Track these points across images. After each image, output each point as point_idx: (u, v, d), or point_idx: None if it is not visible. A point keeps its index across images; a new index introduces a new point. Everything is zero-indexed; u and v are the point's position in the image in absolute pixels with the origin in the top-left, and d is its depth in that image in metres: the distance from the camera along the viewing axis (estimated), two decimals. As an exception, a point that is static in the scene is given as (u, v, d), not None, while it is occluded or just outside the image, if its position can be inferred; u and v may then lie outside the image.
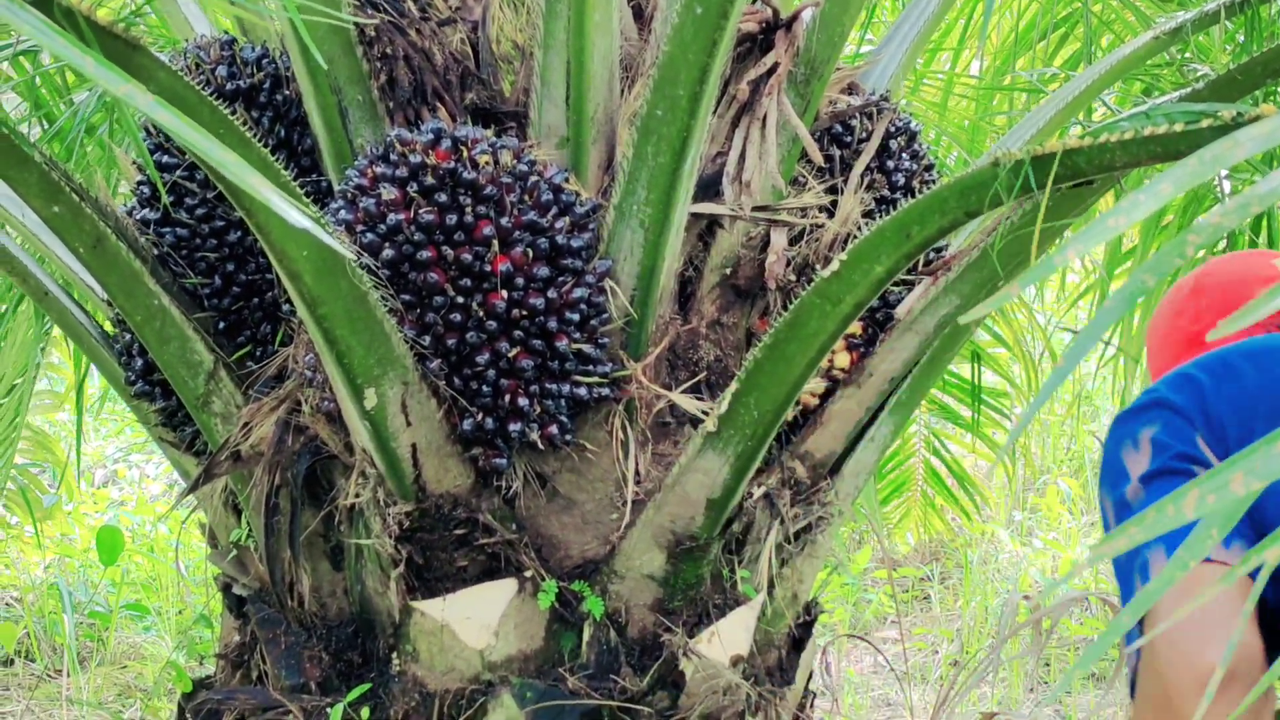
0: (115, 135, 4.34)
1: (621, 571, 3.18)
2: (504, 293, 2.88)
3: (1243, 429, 1.98)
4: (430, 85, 3.21)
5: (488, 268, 2.86)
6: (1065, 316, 7.98)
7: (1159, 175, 1.10)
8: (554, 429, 3.04)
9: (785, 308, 2.97)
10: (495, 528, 3.11)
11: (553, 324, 2.92)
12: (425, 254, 2.85)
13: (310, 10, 2.45)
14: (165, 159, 3.29)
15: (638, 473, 3.18)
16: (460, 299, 2.88)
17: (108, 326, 3.75)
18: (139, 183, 3.43)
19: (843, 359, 3.35)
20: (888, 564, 7.92)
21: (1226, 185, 5.10)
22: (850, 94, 3.54)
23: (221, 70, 3.29)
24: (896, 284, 3.28)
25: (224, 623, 3.68)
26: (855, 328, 3.32)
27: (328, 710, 3.18)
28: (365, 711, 3.18)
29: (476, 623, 3.14)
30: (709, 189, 3.29)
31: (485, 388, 2.95)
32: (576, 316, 2.96)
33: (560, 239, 2.93)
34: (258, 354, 3.39)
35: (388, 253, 2.86)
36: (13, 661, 6.69)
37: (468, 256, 2.85)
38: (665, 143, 2.89)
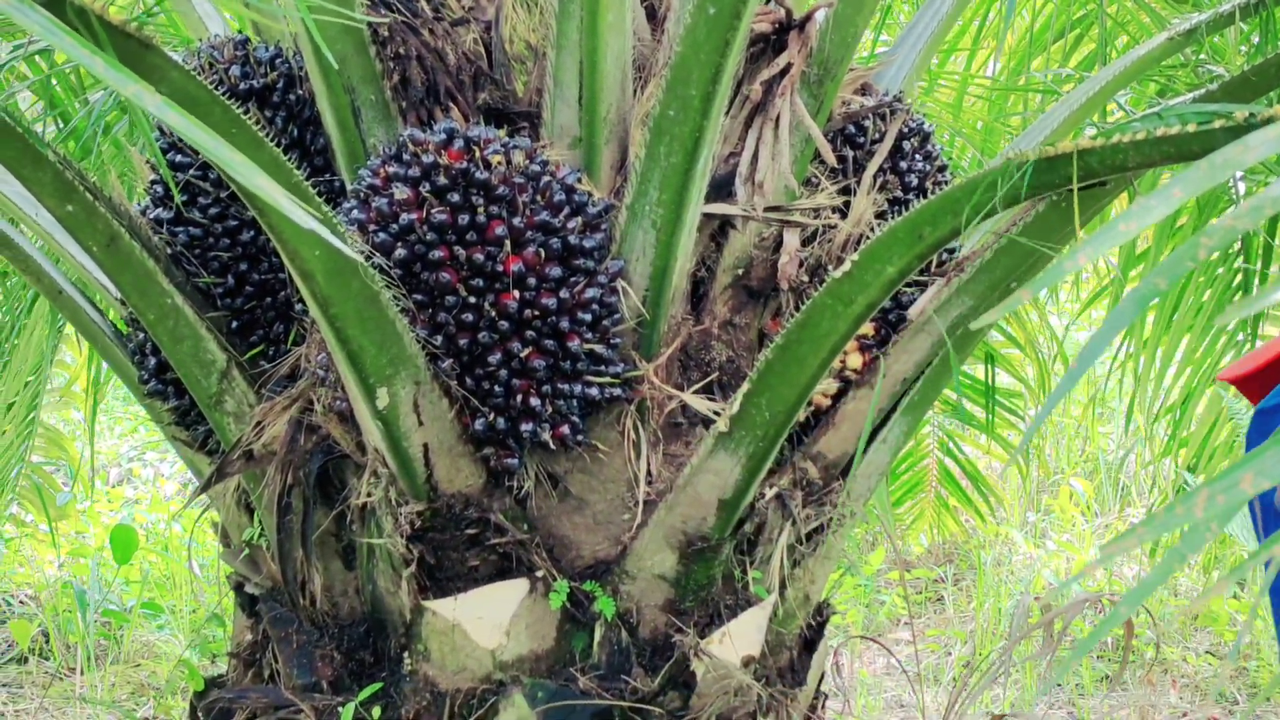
0: (130, 134, 4.36)
1: (633, 572, 3.18)
2: (516, 293, 2.88)
3: None
4: (443, 85, 3.21)
5: (500, 268, 2.86)
6: (1080, 318, 7.97)
7: (1170, 180, 1.10)
8: (566, 429, 3.04)
9: (798, 308, 2.97)
10: (507, 528, 3.11)
11: (565, 324, 2.92)
12: (438, 254, 2.85)
13: (323, 10, 2.45)
14: (179, 158, 3.30)
15: (649, 473, 3.18)
16: (472, 299, 2.88)
17: (121, 325, 3.75)
18: (152, 182, 3.44)
19: (855, 360, 3.35)
20: (900, 565, 7.91)
21: (1241, 187, 5.08)
22: (864, 94, 3.53)
23: (235, 70, 3.29)
24: (909, 285, 3.28)
25: (236, 621, 3.68)
26: (868, 329, 3.32)
27: (339, 709, 3.19)
28: (377, 711, 3.19)
29: (488, 622, 3.15)
30: (722, 189, 3.29)
31: (497, 388, 2.95)
32: (589, 317, 2.95)
33: (573, 239, 2.93)
34: (270, 353, 3.39)
35: (400, 252, 2.86)
36: (27, 659, 6.71)
37: (480, 256, 2.85)
38: (678, 143, 2.89)
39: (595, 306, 2.96)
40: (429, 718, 3.17)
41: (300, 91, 3.32)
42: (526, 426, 2.99)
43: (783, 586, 3.37)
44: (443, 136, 2.91)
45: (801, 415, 3.21)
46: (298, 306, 3.30)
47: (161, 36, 4.85)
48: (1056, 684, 7.09)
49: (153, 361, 3.47)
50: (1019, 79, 5.80)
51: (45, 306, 5.04)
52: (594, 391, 3.03)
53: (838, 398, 3.38)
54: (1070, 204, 2.83)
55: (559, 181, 2.96)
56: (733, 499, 3.13)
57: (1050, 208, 2.89)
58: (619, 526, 3.19)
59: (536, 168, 2.94)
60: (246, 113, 2.77)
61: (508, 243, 2.86)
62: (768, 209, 3.28)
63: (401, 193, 2.86)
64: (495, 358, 2.92)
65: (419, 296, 2.90)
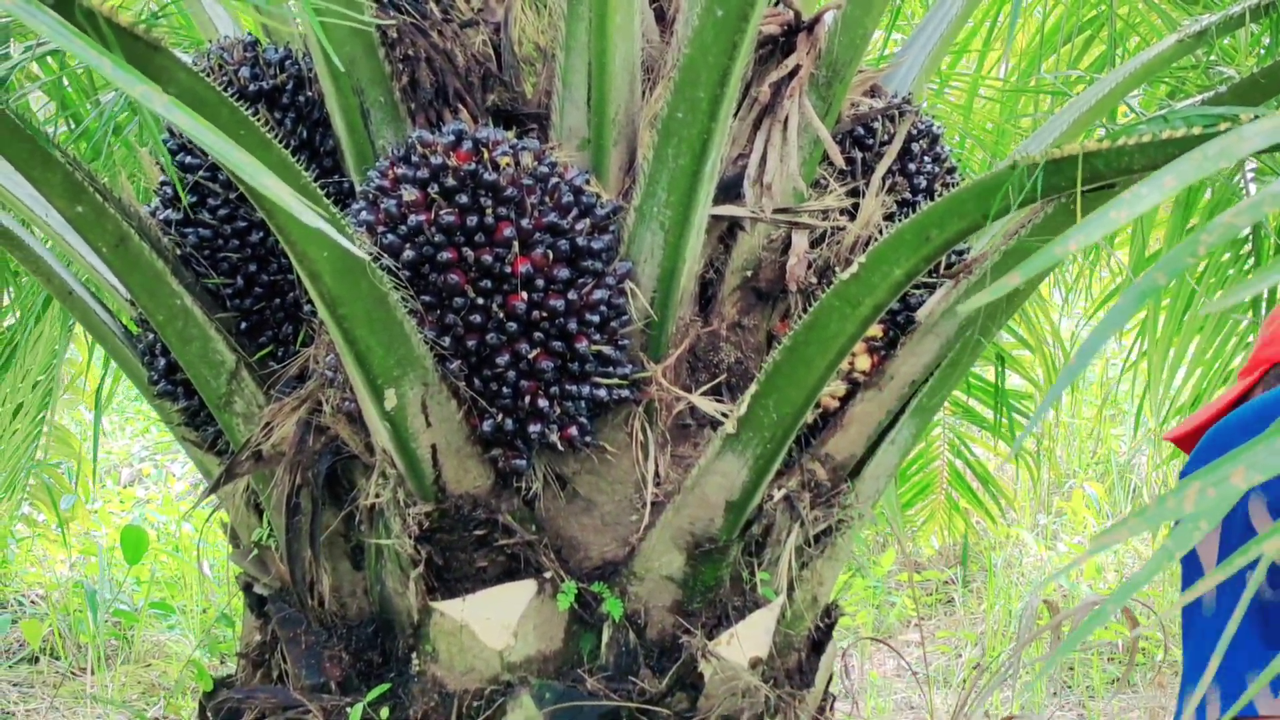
0: (140, 136, 4.37)
1: (641, 573, 3.18)
2: (524, 294, 2.88)
3: None
4: (452, 87, 3.21)
5: (508, 269, 2.87)
6: (1091, 320, 7.95)
7: (1162, 169, 1.10)
8: (574, 430, 3.04)
9: (806, 310, 2.97)
10: (515, 529, 3.11)
11: (573, 325, 2.92)
12: (446, 255, 2.86)
13: (331, 13, 2.45)
14: (188, 159, 3.31)
15: (657, 474, 3.18)
16: (480, 300, 2.89)
17: (131, 326, 3.76)
18: (162, 183, 3.44)
19: (863, 361, 3.35)
20: (908, 567, 7.91)
21: (1253, 188, 5.08)
22: (872, 96, 3.53)
23: (244, 71, 3.30)
24: (918, 286, 3.28)
25: (245, 622, 3.69)
26: (876, 330, 3.32)
27: (347, 710, 3.19)
28: (385, 711, 3.19)
29: (496, 623, 3.15)
30: (730, 191, 3.29)
31: (505, 389, 2.96)
32: (597, 318, 2.96)
33: (581, 241, 2.93)
34: (279, 354, 3.40)
35: (408, 254, 2.87)
36: (38, 659, 6.73)
37: (488, 258, 2.86)
38: (686, 145, 2.89)
39: (603, 308, 2.97)
40: (437, 718, 3.18)
41: (309, 93, 3.33)
42: (534, 428, 2.99)
43: (791, 588, 3.37)
44: (451, 138, 2.91)
45: (809, 417, 3.21)
46: (306, 307, 3.31)
47: (172, 38, 4.87)
48: (1063, 685, 7.09)
49: (162, 362, 3.47)
50: (1030, 80, 5.80)
51: (57, 306, 5.05)
52: (602, 393, 3.03)
53: (846, 399, 3.38)
54: (1080, 206, 2.83)
55: (567, 183, 2.96)
56: (740, 500, 3.13)
57: (1059, 209, 2.89)
58: (627, 528, 3.19)
59: (545, 169, 2.94)
60: (255, 114, 2.78)
61: (516, 244, 2.86)
62: (776, 211, 3.28)
63: (410, 194, 2.87)
64: (503, 359, 2.92)
65: (427, 298, 2.90)
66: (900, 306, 3.33)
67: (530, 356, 2.92)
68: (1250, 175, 5.07)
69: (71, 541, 7.54)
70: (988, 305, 3.10)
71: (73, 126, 4.64)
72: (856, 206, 3.38)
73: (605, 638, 3.18)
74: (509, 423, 2.99)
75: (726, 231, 3.33)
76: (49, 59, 4.26)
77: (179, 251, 3.35)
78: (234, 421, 3.36)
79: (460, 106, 3.22)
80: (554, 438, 3.01)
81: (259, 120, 2.52)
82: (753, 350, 3.37)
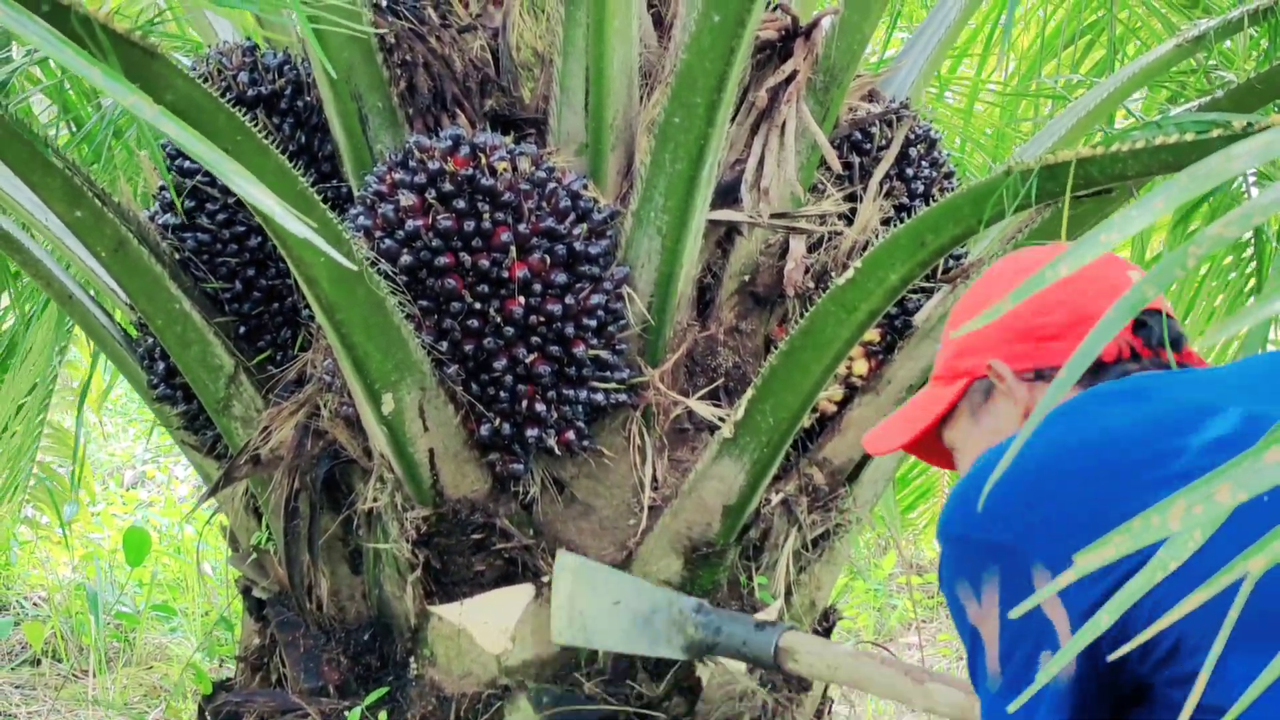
0: (141, 139, 4.37)
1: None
2: (521, 299, 2.89)
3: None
4: (450, 92, 3.22)
5: (505, 274, 2.87)
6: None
7: (1152, 191, 1.10)
8: (571, 434, 3.05)
9: (804, 315, 2.97)
10: (512, 533, 3.12)
11: (570, 330, 2.93)
12: (443, 260, 2.86)
13: (328, 20, 2.46)
14: (187, 164, 3.31)
15: (655, 479, 3.19)
16: (478, 305, 2.89)
17: (130, 330, 3.77)
18: (161, 187, 3.45)
19: (861, 366, 3.35)
20: (907, 570, 7.90)
21: (1254, 192, 5.07)
22: (870, 101, 3.54)
23: (243, 76, 3.30)
24: (915, 291, 3.28)
25: (244, 625, 3.70)
26: (873, 335, 3.32)
27: (346, 713, 3.20)
28: (383, 715, 3.20)
29: (493, 627, 3.15)
30: (728, 196, 3.30)
31: (503, 393, 2.96)
32: (594, 323, 2.96)
33: (578, 245, 2.93)
34: (278, 358, 3.41)
35: (406, 259, 2.87)
36: (40, 661, 6.73)
37: (485, 263, 2.86)
38: (683, 150, 2.90)
39: (600, 312, 2.97)
40: (435, 722, 3.19)
41: (308, 98, 3.34)
42: (532, 432, 3.00)
43: (788, 592, 3.37)
44: (449, 143, 2.92)
45: (807, 421, 3.21)
46: (305, 312, 3.32)
47: (173, 43, 4.87)
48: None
49: (161, 366, 3.48)
50: (1030, 84, 5.80)
51: (57, 310, 5.06)
52: (599, 397, 3.04)
53: (843, 404, 3.38)
54: (1077, 210, 2.84)
55: (565, 188, 2.97)
56: (738, 505, 3.14)
57: (1055, 215, 2.90)
58: (624, 532, 3.20)
59: (542, 174, 2.95)
60: (253, 119, 2.79)
61: (513, 249, 2.87)
62: (773, 216, 3.28)
63: (407, 199, 2.88)
64: (500, 363, 2.92)
65: (424, 302, 2.91)
66: (897, 311, 3.33)
67: (528, 361, 2.92)
68: (1252, 179, 5.07)
69: (74, 544, 7.55)
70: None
71: (74, 130, 4.65)
72: (854, 211, 3.39)
73: (603, 642, 3.18)
74: (506, 427, 2.99)
75: (724, 236, 3.33)
76: (50, 62, 4.28)
77: (178, 256, 3.36)
78: (232, 425, 3.36)
79: (458, 111, 3.22)
80: (551, 442, 3.02)
81: (257, 126, 2.52)
82: (750, 355, 3.38)
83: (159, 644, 7.03)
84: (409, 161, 2.93)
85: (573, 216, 2.95)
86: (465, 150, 2.91)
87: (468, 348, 2.92)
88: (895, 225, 2.81)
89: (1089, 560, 0.98)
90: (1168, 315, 1.93)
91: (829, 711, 3.68)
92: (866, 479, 3.46)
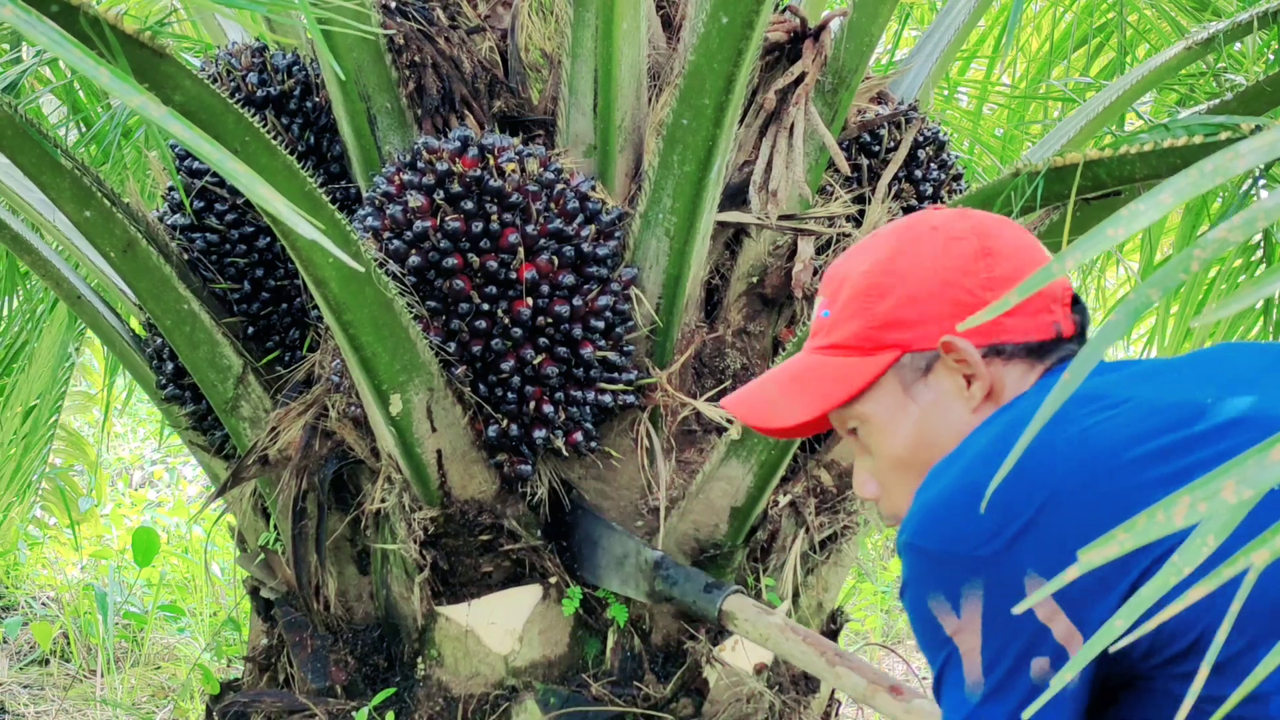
0: (150, 140, 4.38)
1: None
2: (529, 300, 2.89)
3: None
4: (458, 93, 3.22)
5: (513, 275, 2.87)
6: (1101, 322, 7.94)
7: (1159, 185, 1.10)
8: (579, 436, 3.05)
9: (811, 317, 2.97)
10: (520, 534, 3.12)
11: (578, 331, 2.93)
12: (451, 261, 2.86)
13: (337, 21, 2.46)
14: (196, 164, 3.32)
15: (662, 480, 3.19)
16: (486, 306, 2.89)
17: (139, 330, 3.78)
18: (170, 188, 3.46)
19: (869, 368, 3.34)
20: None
21: (1264, 194, 5.06)
22: (879, 103, 3.54)
23: (252, 77, 3.31)
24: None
25: (252, 625, 3.70)
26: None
27: (353, 714, 3.20)
28: (390, 716, 3.20)
29: (501, 628, 3.16)
30: (736, 198, 3.30)
31: (510, 394, 2.96)
32: (601, 324, 2.96)
33: (586, 247, 2.94)
34: (286, 359, 3.41)
35: (414, 260, 2.87)
36: (48, 661, 6.74)
37: (493, 264, 2.87)
38: (691, 151, 2.90)
39: (608, 314, 2.97)
40: (442, 723, 3.19)
41: (317, 98, 3.34)
42: (539, 433, 3.00)
43: (796, 594, 3.37)
44: (457, 144, 2.92)
45: (815, 423, 3.20)
46: (313, 313, 3.32)
47: (184, 43, 4.88)
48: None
49: (170, 366, 3.49)
50: (1039, 87, 5.79)
51: (66, 312, 5.07)
52: (607, 398, 3.04)
53: (851, 406, 3.37)
54: (1084, 213, 2.84)
55: (573, 189, 2.97)
56: (745, 506, 3.13)
57: (1063, 216, 2.89)
58: (632, 533, 3.19)
59: (550, 175, 2.95)
60: (262, 120, 2.80)
61: (521, 250, 2.87)
62: (782, 217, 3.28)
63: (416, 200, 2.88)
64: (508, 365, 2.92)
65: (432, 303, 2.91)
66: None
67: (535, 362, 2.92)
68: (1262, 181, 5.06)
69: (82, 544, 7.56)
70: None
71: (84, 130, 4.66)
72: (862, 213, 3.38)
73: (610, 643, 3.19)
74: (514, 428, 3.00)
75: (732, 238, 3.33)
76: (60, 63, 4.28)
77: (186, 256, 3.36)
78: (241, 426, 3.37)
79: (466, 113, 3.22)
80: (559, 443, 3.02)
81: (265, 126, 2.53)
82: (758, 356, 3.37)
83: (167, 644, 7.03)
84: (417, 162, 2.93)
85: (581, 218, 2.95)
86: (473, 151, 2.91)
87: (475, 349, 2.92)
88: (903, 227, 2.80)
89: (1093, 557, 0.98)
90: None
91: (836, 714, 3.68)
92: (874, 481, 3.45)
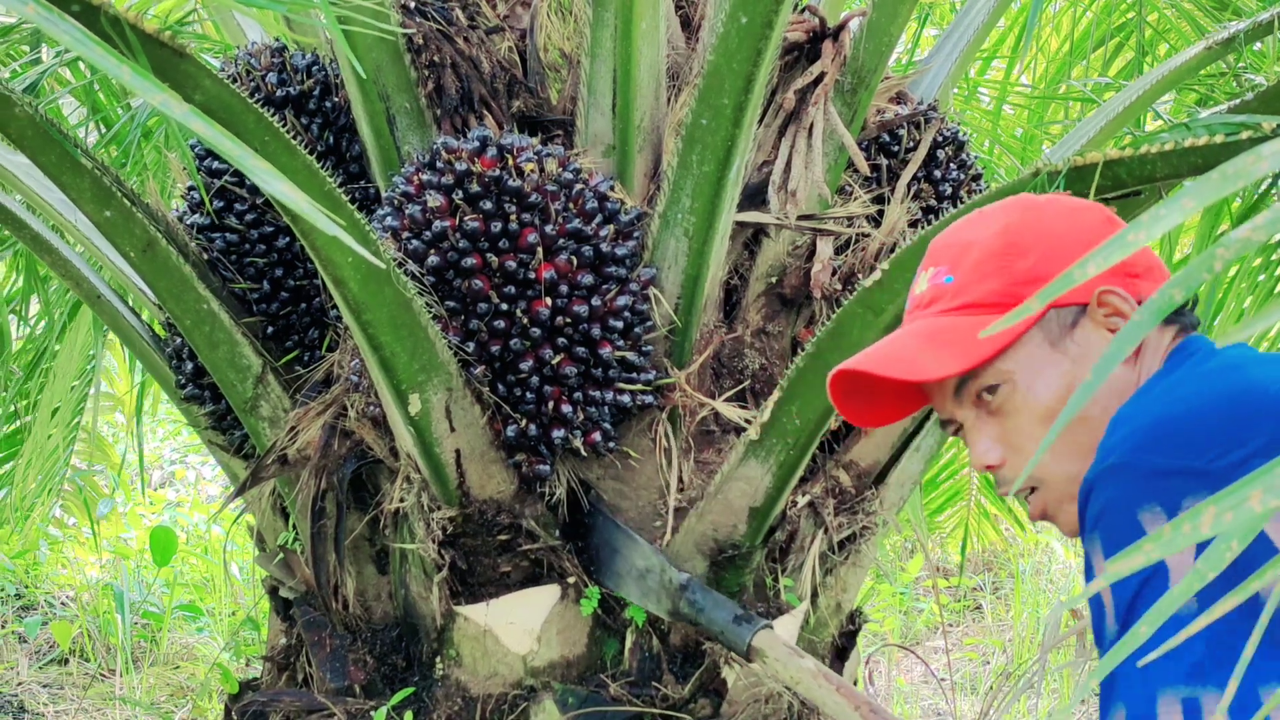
0: (169, 140, 4.39)
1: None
2: (548, 300, 2.89)
3: None
4: (477, 93, 3.23)
5: (532, 275, 2.87)
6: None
7: (1181, 190, 1.10)
8: (597, 436, 3.05)
9: (831, 317, 2.97)
10: (538, 534, 3.12)
11: (596, 331, 2.93)
12: (470, 261, 2.87)
13: (356, 21, 2.46)
14: (215, 164, 3.32)
15: (681, 480, 3.19)
16: (504, 306, 2.89)
17: (159, 330, 3.78)
18: (189, 188, 3.46)
19: (888, 368, 3.34)
20: (932, 573, 7.88)
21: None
22: (898, 103, 3.53)
23: (271, 77, 3.31)
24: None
25: (271, 625, 3.71)
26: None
27: (371, 714, 3.20)
28: (409, 715, 3.20)
29: (519, 628, 3.16)
30: (755, 198, 3.30)
31: (529, 394, 2.96)
32: (620, 324, 2.96)
33: (604, 247, 2.93)
34: (305, 359, 3.41)
35: (433, 259, 2.88)
36: (68, 660, 6.76)
37: (512, 264, 2.87)
38: (710, 151, 2.90)
39: (627, 314, 2.97)
40: (460, 722, 3.19)
41: (336, 98, 3.34)
42: (558, 433, 3.00)
43: (814, 595, 3.37)
44: (476, 144, 2.92)
45: (834, 423, 3.20)
46: (332, 312, 3.32)
47: (204, 43, 4.89)
48: (1092, 692, 7.05)
49: (189, 366, 3.49)
50: (1059, 87, 5.78)
51: (90, 315, 5.08)
52: (625, 398, 3.04)
53: (870, 406, 3.37)
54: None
55: (591, 189, 2.97)
56: (764, 507, 3.13)
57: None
58: (650, 533, 3.19)
59: (569, 175, 2.95)
60: (282, 120, 2.80)
61: (540, 250, 2.87)
62: (801, 217, 3.28)
63: (435, 200, 2.88)
64: (527, 364, 2.93)
65: (451, 303, 2.91)
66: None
67: (554, 362, 2.92)
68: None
69: (101, 544, 7.58)
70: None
71: (104, 131, 4.67)
72: (881, 213, 3.38)
73: (628, 643, 3.19)
74: (533, 428, 3.00)
75: (751, 238, 3.33)
76: (80, 64, 4.29)
77: (206, 256, 3.37)
78: (260, 425, 3.37)
79: (485, 113, 3.23)
80: (578, 443, 3.02)
81: (285, 126, 2.53)
82: (777, 357, 3.37)
83: (186, 643, 7.06)
84: (436, 162, 2.93)
85: (599, 218, 2.95)
86: (492, 151, 2.91)
87: (494, 348, 2.92)
88: (923, 227, 2.81)
89: (1120, 567, 0.98)
90: None
91: (855, 714, 3.67)
92: (893, 481, 3.45)
